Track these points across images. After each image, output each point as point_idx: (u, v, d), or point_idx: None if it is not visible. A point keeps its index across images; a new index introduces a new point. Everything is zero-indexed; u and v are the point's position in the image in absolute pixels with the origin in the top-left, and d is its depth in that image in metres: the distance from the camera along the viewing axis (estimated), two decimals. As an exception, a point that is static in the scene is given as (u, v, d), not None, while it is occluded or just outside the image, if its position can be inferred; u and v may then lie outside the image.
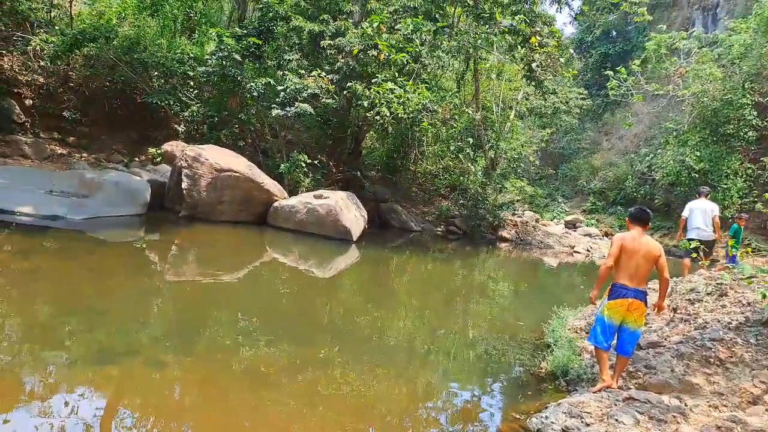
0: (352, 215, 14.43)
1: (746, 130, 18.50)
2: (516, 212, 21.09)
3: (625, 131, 26.75)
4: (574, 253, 17.47)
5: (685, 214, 9.51)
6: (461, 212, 19.01)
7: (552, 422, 4.29)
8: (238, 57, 15.71)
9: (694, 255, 8.15)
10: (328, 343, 6.43)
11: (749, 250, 7.17)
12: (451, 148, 17.62)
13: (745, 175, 18.01)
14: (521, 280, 13.22)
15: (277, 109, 15.35)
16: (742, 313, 5.23)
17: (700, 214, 9.13)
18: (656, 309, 4.97)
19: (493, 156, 19.29)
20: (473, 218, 18.28)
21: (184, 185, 13.35)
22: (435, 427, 4.76)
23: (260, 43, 16.40)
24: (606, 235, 21.51)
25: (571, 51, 22.48)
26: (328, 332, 6.95)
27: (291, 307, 8.05)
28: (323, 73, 15.92)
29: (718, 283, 6.20)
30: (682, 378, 4.57)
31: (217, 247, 11.84)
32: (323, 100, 15.98)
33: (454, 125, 17.99)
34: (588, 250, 17.80)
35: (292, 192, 15.38)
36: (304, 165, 15.81)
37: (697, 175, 18.64)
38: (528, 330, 7.69)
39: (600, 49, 30.82)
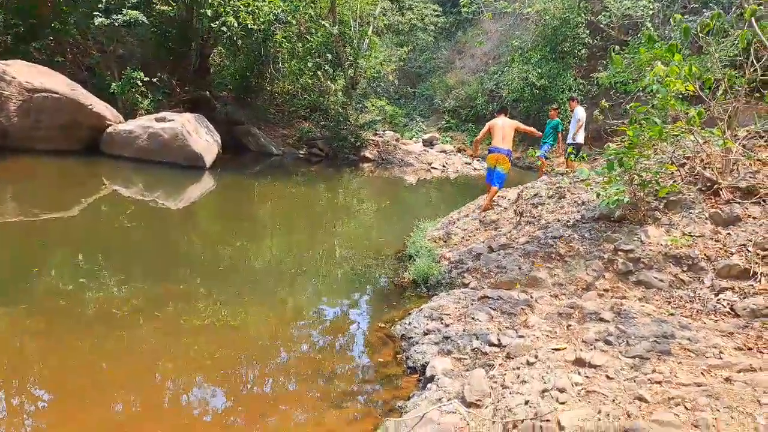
0: (203, 140, 13.34)
1: (580, 47, 20.10)
2: (378, 132, 21.21)
3: (476, 50, 27.68)
4: (431, 170, 18.18)
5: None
6: (323, 134, 18.62)
7: (415, 327, 4.45)
8: (44, -49, 13.04)
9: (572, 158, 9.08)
10: (188, 277, 6.00)
11: (584, 156, 7.90)
12: (309, 65, 16.79)
13: (578, 90, 19.75)
14: (384, 198, 13.49)
15: (100, 17, 13.14)
16: (578, 212, 5.77)
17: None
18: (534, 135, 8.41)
19: (352, 74, 18.87)
20: (336, 139, 18.01)
21: (-14, 109, 11.16)
22: (305, 342, 4.72)
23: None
24: (459, 151, 22.62)
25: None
26: (187, 265, 6.48)
27: (141, 242, 7.33)
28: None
29: (558, 187, 6.77)
30: (528, 274, 4.98)
31: (41, 180, 10.28)
32: (158, 7, 14.07)
33: (311, 40, 17.07)
34: (444, 166, 18.63)
35: (129, 116, 13.60)
36: (140, 84, 13.96)
37: (538, 91, 20.05)
38: (391, 244, 7.87)
39: (452, -35, 30.87)
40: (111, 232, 7.61)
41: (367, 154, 18.63)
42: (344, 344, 4.72)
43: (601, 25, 18.17)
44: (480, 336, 3.82)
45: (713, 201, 4.92)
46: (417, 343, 4.19)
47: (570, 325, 3.69)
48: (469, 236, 6.95)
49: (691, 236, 4.62)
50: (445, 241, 7.10)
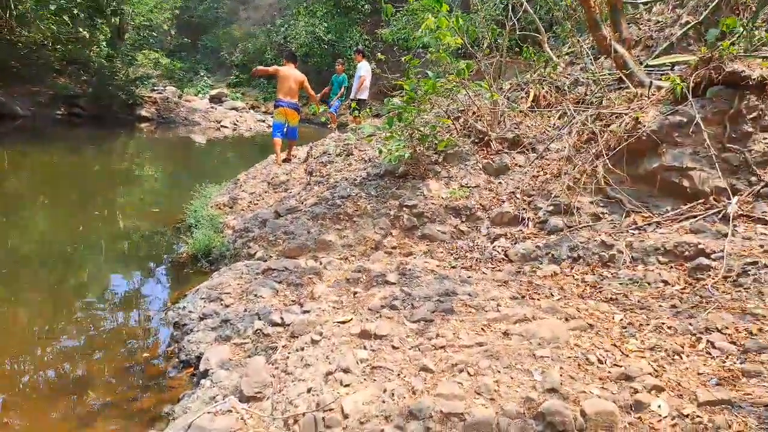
0: None
1: (363, 3, 20.29)
2: (155, 88, 18.91)
3: (260, 1, 26.32)
4: (221, 128, 16.94)
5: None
6: (86, 91, 15.91)
7: (190, 311, 3.84)
8: None
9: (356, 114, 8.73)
10: None
11: (369, 111, 7.83)
12: (51, 8, 13.95)
13: (363, 45, 20.06)
14: (169, 161, 12.07)
15: None
16: (365, 169, 5.63)
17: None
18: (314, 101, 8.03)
19: (117, 22, 16.34)
20: (102, 97, 15.58)
21: None
22: (50, 348, 3.74)
23: None
24: (252, 108, 21.53)
25: None
26: None
27: None
28: None
29: (345, 144, 6.57)
30: (317, 238, 4.68)
31: None
32: None
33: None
34: (235, 124, 17.51)
35: None
36: None
37: (326, 46, 19.86)
38: (172, 214, 6.91)
39: None
40: None
41: (144, 112, 16.59)
42: (103, 344, 3.85)
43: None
44: (262, 315, 3.40)
45: (485, 152, 5.17)
46: (192, 330, 3.60)
47: (357, 292, 3.47)
48: (257, 200, 6.41)
49: (468, 188, 4.78)
50: (231, 207, 6.45)
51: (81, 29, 14.92)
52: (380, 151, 5.35)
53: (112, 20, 16.19)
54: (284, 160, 7.57)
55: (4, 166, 9.80)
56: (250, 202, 6.43)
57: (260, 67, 7.67)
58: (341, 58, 11.71)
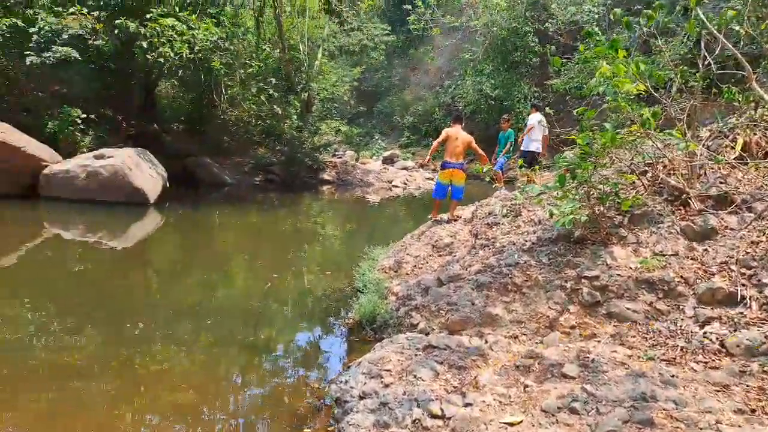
0: (146, 174, 12.49)
1: (531, 56, 19.95)
2: (336, 153, 20.58)
3: (430, 65, 27.48)
4: (392, 188, 17.61)
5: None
6: (279, 159, 17.92)
7: (351, 387, 3.71)
8: (-36, -6, 12.15)
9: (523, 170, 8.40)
10: (141, 319, 5.52)
11: (536, 168, 7.35)
12: (253, 90, 16.13)
13: (533, 98, 19.52)
14: (347, 221, 12.83)
15: (32, 55, 12.42)
16: (534, 233, 5.15)
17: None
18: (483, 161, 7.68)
19: (306, 98, 18.30)
20: (292, 164, 17.39)
21: None
22: (228, 418, 3.91)
23: (-10, -25, 12.84)
24: (421, 166, 22.15)
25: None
26: (137, 307, 6.03)
27: (88, 286, 6.79)
28: (85, 10, 13.13)
29: (512, 204, 6.16)
30: (482, 311, 4.30)
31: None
32: (92, 42, 13.29)
33: (253, 65, 16.44)
34: (405, 183, 18.10)
35: (72, 155, 12.77)
36: (79, 121, 13.16)
37: (493, 102, 19.77)
38: (348, 275, 7.14)
39: (398, -16, 30.83)
40: (55, 278, 6.96)
41: (326, 176, 18.02)
42: (264, 418, 3.90)
43: (549, 33, 18.00)
44: (421, 403, 3.10)
45: (683, 212, 4.35)
46: (352, 410, 3.44)
47: (527, 386, 3.00)
48: (421, 264, 6.26)
49: (664, 255, 4.01)
50: (395, 271, 6.39)
51: (276, 106, 16.96)
52: (551, 213, 4.81)
53: (302, 96, 18.15)
54: (448, 221, 7.43)
55: (216, 225, 11.36)
56: (414, 266, 6.31)
57: (433, 146, 7.60)
58: (507, 113, 11.39)
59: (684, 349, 3.22)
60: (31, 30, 12.76)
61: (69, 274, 7.26)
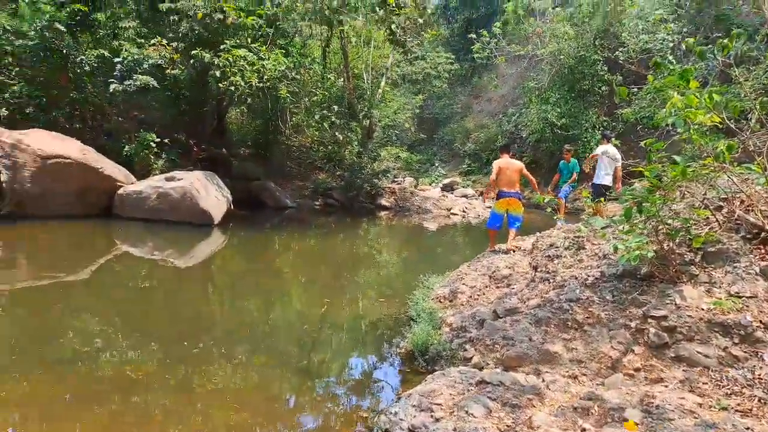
0: (212, 197, 13.08)
1: (599, 84, 19.50)
2: (396, 179, 20.76)
3: (493, 93, 27.40)
4: (451, 215, 17.46)
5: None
6: (338, 184, 18.27)
7: (401, 419, 3.63)
8: (61, 27, 13.35)
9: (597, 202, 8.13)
10: (200, 337, 5.74)
11: (603, 200, 7.08)
12: (316, 117, 16.62)
13: (602, 128, 18.98)
14: (403, 247, 12.82)
15: (115, 83, 13.48)
16: (598, 267, 4.92)
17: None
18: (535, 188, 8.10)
19: (368, 125, 18.68)
20: (351, 189, 17.69)
21: (2, 178, 11.24)
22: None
23: (86, 9, 14.03)
24: (481, 194, 21.91)
25: (430, 9, 22.20)
26: (197, 326, 6.24)
27: (152, 303, 7.16)
28: (165, 41, 14.11)
29: (575, 237, 5.95)
30: (540, 347, 4.13)
31: (54, 245, 10.12)
32: (169, 71, 14.23)
33: (318, 93, 16.99)
34: (464, 211, 17.89)
35: (145, 177, 13.63)
36: (153, 145, 14.05)
37: (559, 131, 19.37)
38: (398, 302, 7.10)
39: (464, 14, 31.19)
40: (122, 293, 7.39)
41: (384, 201, 18.14)
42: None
43: (620, 61, 17.54)
44: (472, 441, 3.00)
45: (763, 251, 4.04)
46: (401, 444, 3.38)
47: (585, 429, 2.83)
48: (477, 295, 6.14)
49: (740, 297, 3.73)
50: (450, 301, 6.29)
51: (337, 133, 17.38)
52: (616, 248, 4.60)
53: (363, 123, 18.51)
54: (506, 252, 7.28)
55: (275, 248, 11.67)
56: (470, 296, 6.19)
57: (491, 181, 7.62)
58: (569, 143, 11.10)
59: (762, 400, 2.95)
60: (116, 60, 13.81)
61: (136, 290, 7.63)
